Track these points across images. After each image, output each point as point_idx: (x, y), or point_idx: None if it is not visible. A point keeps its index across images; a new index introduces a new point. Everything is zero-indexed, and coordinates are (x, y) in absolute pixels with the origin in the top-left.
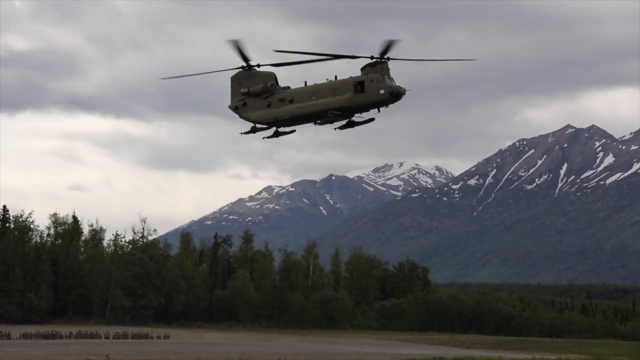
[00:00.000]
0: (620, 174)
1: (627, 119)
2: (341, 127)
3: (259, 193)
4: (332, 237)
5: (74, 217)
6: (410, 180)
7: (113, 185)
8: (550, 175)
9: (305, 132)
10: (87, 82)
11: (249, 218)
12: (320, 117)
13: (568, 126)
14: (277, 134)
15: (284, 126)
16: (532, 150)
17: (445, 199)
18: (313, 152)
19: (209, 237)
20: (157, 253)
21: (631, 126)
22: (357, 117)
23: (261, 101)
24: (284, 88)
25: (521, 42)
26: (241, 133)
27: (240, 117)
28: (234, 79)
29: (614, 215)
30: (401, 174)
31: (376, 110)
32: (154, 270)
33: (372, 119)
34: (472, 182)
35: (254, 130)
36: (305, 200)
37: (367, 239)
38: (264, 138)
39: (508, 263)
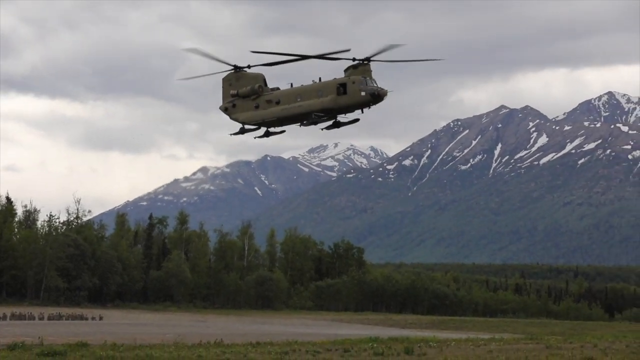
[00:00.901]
0: (554, 154)
1: (560, 100)
2: (328, 128)
3: (194, 174)
4: (267, 217)
5: (8, 198)
6: (346, 160)
7: (47, 166)
8: (485, 155)
9: None
10: (20, 63)
11: (184, 199)
12: (305, 118)
13: (502, 107)
14: (267, 134)
15: (272, 127)
16: (467, 131)
17: (380, 179)
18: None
19: (143, 218)
20: (91, 234)
21: (564, 107)
22: (341, 118)
23: (249, 103)
24: (273, 89)
25: (456, 23)
26: (230, 134)
27: (230, 118)
28: (225, 80)
29: (548, 195)
30: (336, 155)
31: (360, 111)
32: (89, 251)
33: (357, 120)
34: (407, 162)
35: (242, 131)
36: (240, 181)
37: (302, 219)
38: (255, 138)
39: (443, 243)
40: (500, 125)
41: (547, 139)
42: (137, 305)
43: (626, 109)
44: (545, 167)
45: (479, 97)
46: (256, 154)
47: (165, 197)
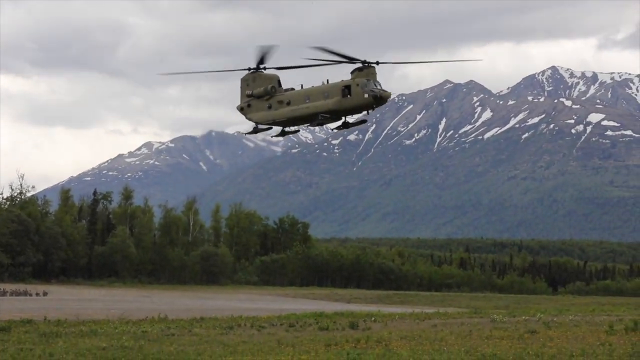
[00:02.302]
0: (498, 128)
1: (504, 74)
2: (338, 128)
3: (139, 149)
4: (213, 193)
5: None
6: (290, 135)
7: None
8: (429, 130)
9: (187, 86)
10: None
11: (129, 174)
12: (312, 119)
13: (446, 81)
14: (283, 133)
15: (283, 126)
16: (411, 106)
17: (325, 154)
18: (193, 108)
19: (88, 194)
20: (35, 210)
21: (508, 81)
22: (350, 119)
23: (263, 103)
24: (286, 90)
25: None
26: (245, 133)
27: (246, 117)
28: (242, 80)
29: (492, 169)
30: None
31: (365, 112)
32: (33, 227)
33: (364, 121)
34: (351, 137)
35: (255, 130)
36: (185, 156)
37: (248, 194)
38: (272, 137)
39: (387, 218)
40: (444, 100)
41: (491, 113)
42: (81, 281)
43: (569, 84)
44: (490, 142)
45: (423, 71)
46: (201, 129)
47: (110, 173)
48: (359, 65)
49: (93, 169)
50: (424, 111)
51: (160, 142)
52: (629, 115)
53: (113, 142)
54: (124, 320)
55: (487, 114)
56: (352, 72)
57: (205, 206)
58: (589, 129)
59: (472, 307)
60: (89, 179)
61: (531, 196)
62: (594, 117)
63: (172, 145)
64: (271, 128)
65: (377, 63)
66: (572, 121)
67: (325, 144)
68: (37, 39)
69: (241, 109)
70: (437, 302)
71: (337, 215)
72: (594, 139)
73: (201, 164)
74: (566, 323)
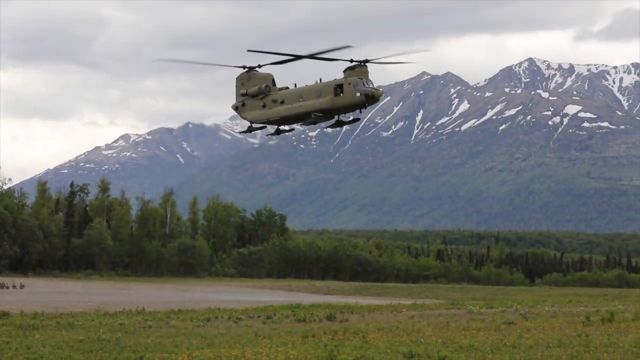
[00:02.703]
0: (475, 120)
1: (481, 66)
2: (331, 126)
3: (116, 141)
4: (190, 185)
5: None
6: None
7: None
8: (407, 122)
9: (164, 79)
10: None
11: (106, 166)
12: (306, 118)
13: (424, 73)
14: (278, 132)
15: (277, 125)
16: (389, 98)
17: (302, 146)
18: (170, 100)
19: (65, 186)
20: (12, 202)
21: (485, 73)
22: (343, 117)
23: (257, 102)
24: (280, 89)
25: None
26: (240, 132)
27: (241, 116)
28: (237, 79)
29: (469, 161)
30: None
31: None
32: (9, 219)
33: (357, 119)
34: (329, 129)
35: (250, 129)
36: (162, 149)
37: (225, 186)
38: (267, 135)
39: (365, 209)
40: (421, 92)
41: (469, 105)
42: (58, 274)
43: (546, 75)
44: (467, 134)
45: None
46: (178, 121)
47: (87, 165)
48: (351, 64)
49: (70, 161)
50: (401, 103)
51: (137, 135)
52: (606, 106)
53: (90, 134)
54: (101, 313)
55: (464, 106)
56: (344, 71)
57: (183, 198)
58: (565, 120)
59: (449, 298)
60: (65, 171)
61: (508, 188)
62: (571, 109)
63: (149, 137)
64: (265, 127)
65: (366, 61)
66: (549, 113)
67: (303, 135)
68: (14, 31)
69: (236, 108)
70: (415, 294)
71: (315, 207)
72: (570, 130)
73: (178, 156)
74: (543, 314)
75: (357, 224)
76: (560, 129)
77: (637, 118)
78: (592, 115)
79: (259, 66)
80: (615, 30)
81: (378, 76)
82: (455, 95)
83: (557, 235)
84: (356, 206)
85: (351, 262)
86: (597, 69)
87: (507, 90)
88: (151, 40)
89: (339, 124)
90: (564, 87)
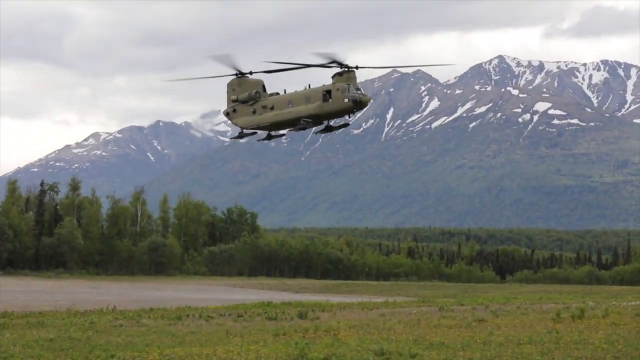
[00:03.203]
0: (445, 117)
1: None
2: (321, 132)
3: (86, 139)
4: (160, 183)
5: None
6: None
7: None
8: (377, 119)
9: (134, 77)
10: None
11: (76, 165)
12: (295, 123)
13: (394, 71)
14: (269, 137)
15: (268, 131)
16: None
17: (272, 144)
18: (140, 98)
19: (35, 185)
20: None
21: (455, 70)
22: (333, 122)
23: (247, 108)
24: (271, 94)
25: None
26: (231, 138)
27: (232, 122)
28: (228, 85)
29: (440, 159)
30: (229, 120)
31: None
32: None
33: (347, 124)
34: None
35: (241, 135)
36: (132, 147)
37: (196, 185)
38: (258, 140)
39: (336, 207)
40: (392, 90)
41: (439, 102)
42: (29, 272)
43: (516, 73)
44: (437, 131)
45: (371, 61)
46: (148, 119)
47: (57, 164)
48: (339, 70)
49: (40, 160)
50: (371, 101)
51: (107, 133)
52: (576, 104)
53: (60, 132)
54: (71, 312)
55: (435, 103)
56: (332, 77)
57: (153, 197)
58: (535, 117)
59: (420, 296)
60: (35, 170)
61: (479, 185)
62: (541, 106)
63: (120, 135)
64: (256, 133)
65: (357, 67)
66: (519, 110)
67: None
68: None
69: (227, 114)
70: (386, 292)
71: (286, 205)
72: (540, 127)
73: (149, 154)
74: (514, 311)
75: (328, 221)
76: (530, 126)
77: (607, 115)
78: (562, 113)
79: (250, 73)
80: (584, 27)
81: None
82: (425, 93)
83: (528, 232)
84: (327, 204)
85: (322, 260)
86: (566, 66)
87: (477, 87)
88: (121, 38)
89: (329, 129)
90: (534, 84)
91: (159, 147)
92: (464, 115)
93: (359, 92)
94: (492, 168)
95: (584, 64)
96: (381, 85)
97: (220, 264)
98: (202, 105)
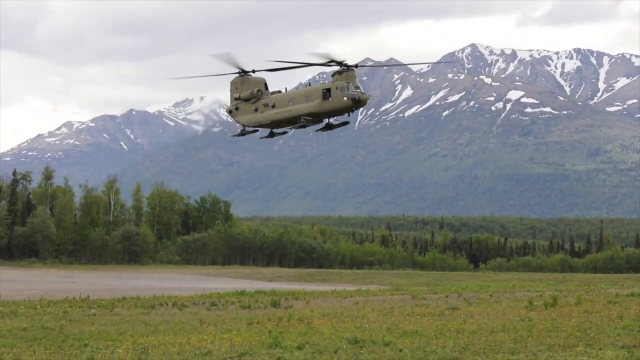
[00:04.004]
0: (419, 106)
1: (424, 52)
2: (321, 129)
3: (59, 129)
4: (134, 172)
5: None
6: (211, 114)
7: None
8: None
9: (107, 66)
10: None
11: (49, 154)
12: (296, 121)
13: (367, 59)
14: (271, 135)
15: (269, 128)
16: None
17: None
18: (113, 87)
19: (7, 174)
20: None
21: (428, 59)
22: (333, 120)
23: (250, 106)
24: (273, 93)
25: None
26: (232, 135)
27: (234, 120)
28: (232, 84)
29: (413, 147)
30: (202, 109)
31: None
32: None
33: (347, 122)
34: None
35: (243, 133)
36: (105, 136)
37: (169, 173)
38: (260, 138)
39: (309, 196)
40: (365, 78)
41: (412, 91)
42: (1, 262)
43: (489, 61)
44: (410, 120)
45: (344, 49)
46: (121, 108)
47: (30, 153)
48: (339, 68)
49: (12, 149)
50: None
51: (80, 122)
52: (548, 92)
53: (32, 121)
54: (45, 301)
55: (408, 92)
56: (332, 75)
57: (127, 186)
58: (508, 106)
59: (394, 284)
60: (8, 159)
61: (452, 173)
62: (514, 95)
63: (93, 124)
64: (258, 130)
65: (356, 66)
66: (492, 98)
67: None
68: None
69: (230, 112)
70: (359, 280)
71: (259, 194)
72: (513, 116)
73: (122, 143)
74: (487, 299)
75: (302, 210)
76: (503, 115)
77: (579, 103)
78: (535, 101)
79: (253, 71)
80: (557, 15)
81: None
82: (398, 82)
83: (501, 220)
84: (300, 193)
85: (296, 249)
86: (539, 55)
87: (450, 76)
88: (93, 26)
89: (329, 127)
90: (507, 72)
91: (132, 136)
92: (437, 103)
93: (357, 90)
94: (465, 156)
95: (557, 53)
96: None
97: (193, 252)
98: (175, 94)
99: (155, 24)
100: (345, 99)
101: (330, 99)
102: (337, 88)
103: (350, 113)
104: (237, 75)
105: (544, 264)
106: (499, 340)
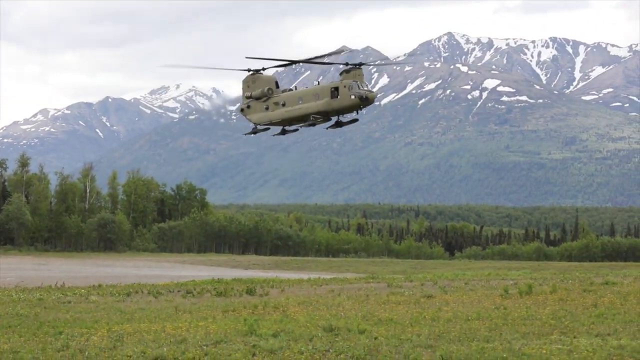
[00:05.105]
0: (395, 94)
1: (401, 40)
2: (331, 127)
3: (35, 116)
4: (109, 159)
5: None
6: (187, 102)
7: None
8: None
9: (83, 53)
10: None
11: (24, 141)
12: (305, 120)
13: (344, 47)
14: (283, 132)
15: (282, 126)
16: (309, 72)
17: (222, 120)
18: (89, 74)
19: None
20: None
21: (405, 47)
22: (342, 117)
23: (261, 104)
24: (283, 91)
25: None
26: (244, 134)
27: (246, 118)
28: (243, 82)
29: (389, 135)
30: (178, 96)
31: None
32: None
33: (356, 120)
34: (330, 129)
35: (255, 131)
36: (81, 123)
37: (145, 161)
38: (273, 135)
39: (285, 184)
40: (341, 66)
41: (388, 79)
42: None
43: (465, 50)
44: (387, 108)
45: (321, 37)
46: (97, 95)
47: (5, 140)
48: (346, 67)
49: None
50: (321, 77)
51: (56, 109)
52: (524, 80)
53: (8, 109)
54: (20, 288)
55: (384, 80)
56: (340, 74)
57: (102, 173)
58: (484, 94)
59: (369, 272)
60: None
61: (428, 162)
62: (490, 83)
63: (68, 112)
64: (269, 129)
65: (361, 64)
66: (468, 87)
67: (223, 110)
68: None
69: (241, 110)
70: (335, 268)
71: (235, 182)
72: (489, 104)
73: (98, 130)
74: (462, 287)
75: (278, 198)
76: (479, 103)
77: (555, 92)
78: (511, 89)
79: (263, 69)
80: (533, 4)
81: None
82: (374, 70)
83: (477, 208)
84: (276, 181)
85: (271, 237)
86: (515, 43)
87: (426, 64)
88: (71, 14)
89: (339, 124)
90: (483, 61)
91: (107, 124)
92: (414, 92)
93: (365, 89)
94: (441, 145)
95: (533, 41)
96: (330, 61)
97: (169, 240)
98: (151, 82)
99: (132, 11)
100: (352, 97)
101: (338, 97)
102: (344, 86)
103: (359, 111)
104: (249, 73)
105: (519, 252)
106: (474, 328)
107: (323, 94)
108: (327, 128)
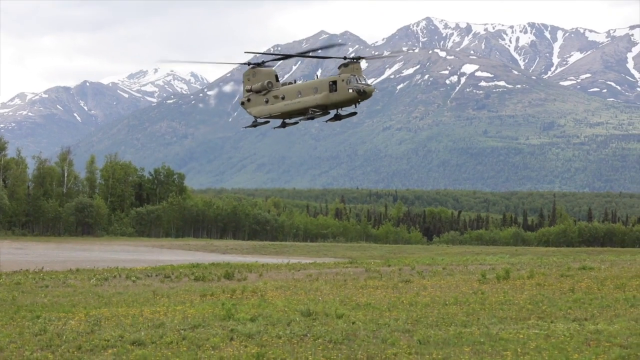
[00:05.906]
0: (373, 79)
1: (380, 25)
2: (331, 120)
3: (12, 100)
4: (87, 144)
5: None
6: (166, 86)
7: None
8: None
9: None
10: None
11: (1, 125)
12: (304, 113)
13: (322, 32)
14: (283, 125)
15: (281, 119)
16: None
17: (200, 105)
18: (67, 58)
19: None
20: None
21: (383, 32)
22: (341, 110)
23: (261, 98)
24: (283, 85)
25: None
26: (244, 127)
27: (247, 111)
28: (244, 75)
29: (367, 120)
30: (156, 81)
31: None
32: None
33: (354, 113)
34: (227, 88)
35: (255, 124)
36: (59, 107)
37: (123, 145)
38: (273, 128)
39: (263, 168)
40: (320, 51)
41: (367, 64)
42: None
43: (444, 35)
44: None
45: (299, 22)
46: (75, 79)
47: None
48: (345, 61)
49: None
50: (299, 62)
51: (33, 93)
52: (502, 66)
53: None
54: None
55: (362, 65)
56: (339, 68)
57: (80, 157)
58: (462, 79)
59: (347, 257)
60: None
61: (406, 147)
62: (468, 68)
63: (46, 96)
64: (269, 122)
65: (360, 58)
66: (447, 72)
67: (201, 94)
68: None
69: (242, 103)
70: (313, 253)
71: (213, 166)
72: (467, 89)
73: (75, 114)
74: (440, 272)
75: (256, 183)
76: (457, 88)
77: (533, 77)
78: (489, 75)
79: (263, 62)
80: None
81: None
82: (353, 54)
83: (455, 193)
84: (255, 165)
85: (250, 221)
86: (493, 29)
87: (405, 49)
88: None
89: (338, 117)
90: (461, 46)
91: (85, 108)
92: (392, 77)
93: (363, 82)
94: (419, 130)
95: (511, 27)
96: (309, 46)
97: (147, 224)
98: (129, 66)
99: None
100: (350, 91)
101: (336, 91)
102: (342, 80)
103: (357, 104)
104: (249, 67)
105: (497, 237)
106: (452, 313)
107: (322, 88)
108: (326, 121)
